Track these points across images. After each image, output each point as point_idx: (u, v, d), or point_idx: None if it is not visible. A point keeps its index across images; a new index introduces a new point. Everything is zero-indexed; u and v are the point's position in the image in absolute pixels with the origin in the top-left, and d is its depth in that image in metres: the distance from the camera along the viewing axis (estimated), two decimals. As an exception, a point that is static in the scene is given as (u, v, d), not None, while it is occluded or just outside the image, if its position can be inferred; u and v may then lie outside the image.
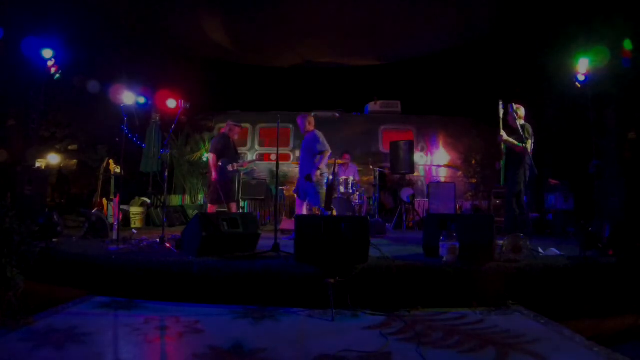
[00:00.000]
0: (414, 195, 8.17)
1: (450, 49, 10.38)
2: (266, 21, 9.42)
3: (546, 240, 5.38)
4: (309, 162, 5.76)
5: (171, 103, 7.77)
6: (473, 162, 9.84)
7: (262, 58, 11.61)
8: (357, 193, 7.30)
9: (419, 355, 2.39)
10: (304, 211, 5.92)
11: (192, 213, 8.43)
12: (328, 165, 6.17)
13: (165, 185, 5.05)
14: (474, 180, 9.71)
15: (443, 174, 10.38)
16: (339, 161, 7.62)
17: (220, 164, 6.05)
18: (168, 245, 4.36)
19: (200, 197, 9.83)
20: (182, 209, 8.83)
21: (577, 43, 6.78)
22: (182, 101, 5.63)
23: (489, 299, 3.37)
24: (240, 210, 8.36)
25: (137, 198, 8.08)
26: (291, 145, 10.42)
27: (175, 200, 9.64)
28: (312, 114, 10.41)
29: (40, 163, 8.86)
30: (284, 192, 9.29)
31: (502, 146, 5.36)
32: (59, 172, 9.95)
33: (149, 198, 8.21)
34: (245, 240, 4.19)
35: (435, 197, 8.30)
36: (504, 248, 3.89)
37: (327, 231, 3.62)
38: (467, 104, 10.10)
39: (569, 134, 7.92)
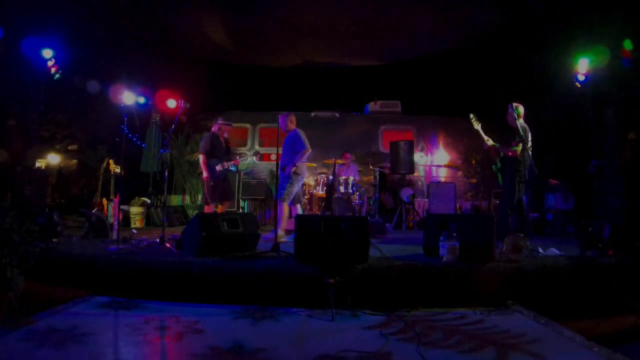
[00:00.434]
0: (414, 195, 8.17)
1: (450, 49, 10.37)
2: (266, 21, 9.41)
3: (546, 240, 5.39)
4: (289, 161, 5.72)
5: (171, 103, 7.74)
6: (473, 162, 9.81)
7: (262, 58, 11.59)
8: (357, 193, 7.30)
9: (419, 355, 2.39)
10: (299, 210, 5.93)
11: (192, 213, 8.42)
12: (328, 166, 6.14)
13: (165, 185, 5.06)
14: (474, 180, 9.69)
15: (443, 174, 10.36)
16: (339, 161, 7.61)
17: (211, 163, 6.02)
18: (168, 245, 4.36)
19: (200, 197, 9.83)
20: (182, 209, 8.83)
21: (577, 43, 6.78)
22: (182, 101, 5.64)
23: (489, 299, 3.37)
24: (240, 210, 8.37)
25: (137, 198, 8.07)
26: (291, 145, 10.41)
27: (175, 200, 9.64)
28: (312, 114, 10.51)
29: (40, 163, 8.85)
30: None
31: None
32: (59, 172, 9.95)
33: (149, 198, 8.20)
34: (245, 240, 4.18)
35: (435, 197, 8.29)
36: (504, 248, 3.89)
37: (327, 231, 3.61)
38: (467, 104, 10.07)
39: (569, 134, 7.92)
